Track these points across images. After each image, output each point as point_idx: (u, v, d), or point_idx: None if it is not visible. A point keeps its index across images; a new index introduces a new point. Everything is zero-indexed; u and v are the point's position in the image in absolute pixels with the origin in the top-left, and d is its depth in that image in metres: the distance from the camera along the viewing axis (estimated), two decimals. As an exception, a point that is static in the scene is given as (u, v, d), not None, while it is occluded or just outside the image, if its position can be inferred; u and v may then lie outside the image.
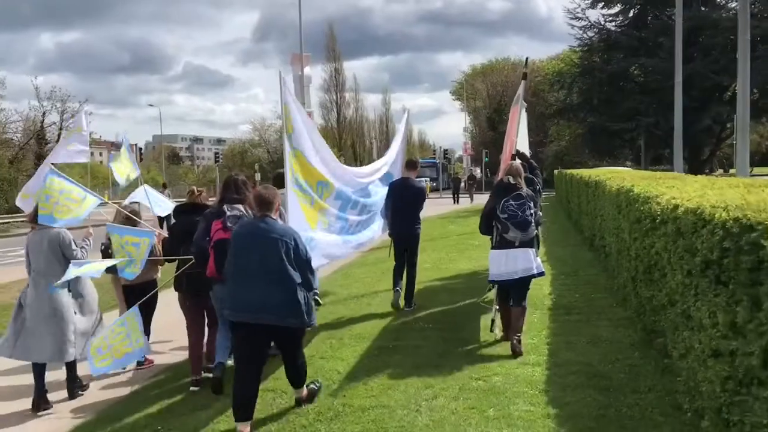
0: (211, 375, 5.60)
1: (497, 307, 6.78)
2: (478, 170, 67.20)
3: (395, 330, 7.42)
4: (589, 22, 29.46)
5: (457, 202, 33.60)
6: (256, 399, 4.83)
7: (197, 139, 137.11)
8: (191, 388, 5.69)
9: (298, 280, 4.75)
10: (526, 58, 11.37)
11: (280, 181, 6.58)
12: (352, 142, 76.66)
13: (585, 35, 29.79)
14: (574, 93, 31.20)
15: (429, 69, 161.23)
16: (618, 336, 6.48)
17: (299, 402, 5.15)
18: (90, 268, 5.43)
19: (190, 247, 5.54)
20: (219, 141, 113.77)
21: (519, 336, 6.11)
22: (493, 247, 6.42)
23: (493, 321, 6.86)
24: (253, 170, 61.95)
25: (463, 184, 37.16)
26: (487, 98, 69.68)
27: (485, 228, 6.51)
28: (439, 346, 6.54)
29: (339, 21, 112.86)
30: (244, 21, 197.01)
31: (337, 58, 74.31)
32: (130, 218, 6.36)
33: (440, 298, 9.08)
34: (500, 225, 6.21)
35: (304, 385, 5.18)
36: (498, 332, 6.66)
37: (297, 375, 5.10)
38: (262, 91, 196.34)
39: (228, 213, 5.27)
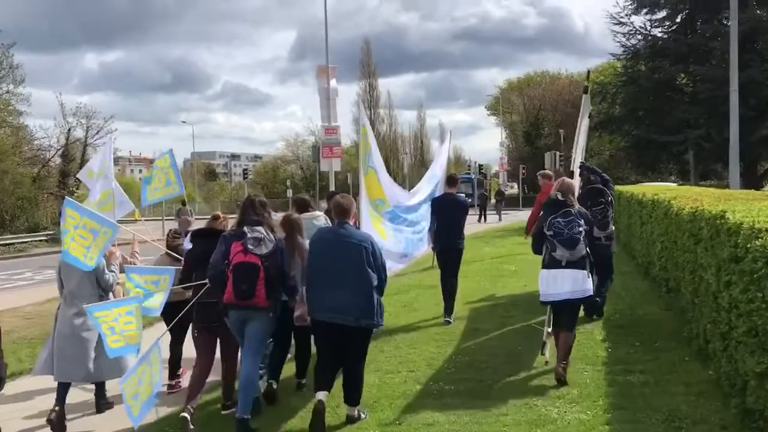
0: (231, 411, 5.37)
1: (549, 330, 6.52)
2: (515, 185, 65.45)
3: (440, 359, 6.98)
4: (634, 27, 27.59)
5: (485, 220, 31.68)
6: (360, 384, 5.28)
7: (234, 156, 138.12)
8: (182, 415, 5.17)
9: (375, 282, 5.09)
10: (588, 71, 10.16)
11: (301, 207, 6.89)
12: (385, 157, 75.31)
13: (629, 42, 27.90)
14: (618, 104, 29.13)
15: (465, 85, 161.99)
16: (703, 412, 4.92)
17: (349, 420, 5.23)
18: (115, 311, 5.11)
19: (205, 273, 5.31)
20: (256, 157, 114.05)
21: (565, 363, 5.90)
22: (543, 267, 6.19)
23: (544, 344, 6.54)
24: (285, 186, 61.64)
25: (492, 201, 35.29)
26: (524, 112, 68.18)
27: (536, 246, 6.34)
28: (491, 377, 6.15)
29: (374, 39, 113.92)
30: (281, 40, 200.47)
31: (372, 73, 73.48)
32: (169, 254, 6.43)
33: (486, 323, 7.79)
34: (548, 243, 6.03)
35: (356, 408, 5.27)
36: (548, 356, 6.40)
37: (354, 385, 5.27)
38: (300, 108, 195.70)
39: (249, 235, 5.04)
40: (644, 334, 7.52)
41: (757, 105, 24.39)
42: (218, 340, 5.57)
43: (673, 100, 27.74)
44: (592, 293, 6.15)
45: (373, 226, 6.97)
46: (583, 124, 8.05)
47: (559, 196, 6.11)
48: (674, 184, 21.41)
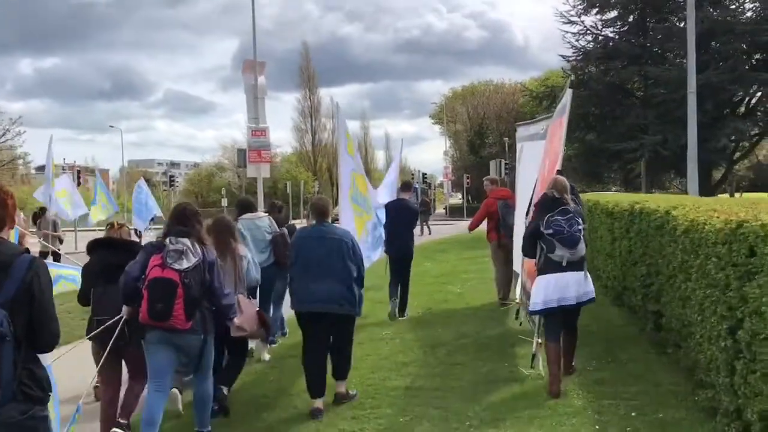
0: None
1: (539, 341, 6.27)
2: (459, 195, 64.01)
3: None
4: (584, 27, 25.83)
5: (429, 232, 29.40)
6: (325, 377, 5.64)
7: (174, 164, 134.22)
8: None
9: (355, 275, 5.63)
10: (570, 71, 8.97)
11: (242, 208, 7.26)
12: (328, 165, 72.88)
13: (579, 43, 26.18)
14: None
15: (409, 96, 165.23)
16: None
17: (338, 398, 5.68)
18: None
19: (105, 288, 5.02)
20: (196, 165, 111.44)
21: (572, 370, 6.08)
22: (538, 272, 5.95)
23: (534, 356, 6.30)
24: (220, 194, 58.67)
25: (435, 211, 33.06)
26: (468, 121, 67.27)
27: (529, 248, 6.10)
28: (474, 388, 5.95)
29: (318, 49, 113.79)
30: (224, 48, 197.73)
31: (311, 78, 70.99)
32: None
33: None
34: (545, 244, 5.81)
35: (345, 381, 5.78)
36: (541, 369, 6.16)
37: (342, 363, 5.76)
38: (243, 116, 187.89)
39: (170, 247, 4.62)
40: (639, 396, 5.37)
41: (713, 110, 22.89)
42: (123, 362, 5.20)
43: (626, 104, 26.05)
44: (594, 295, 6.00)
45: (353, 220, 7.52)
46: (564, 123, 7.16)
47: (555, 194, 5.86)
48: (620, 193, 19.58)
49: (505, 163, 36.27)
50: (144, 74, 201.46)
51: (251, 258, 5.83)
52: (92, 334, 5.08)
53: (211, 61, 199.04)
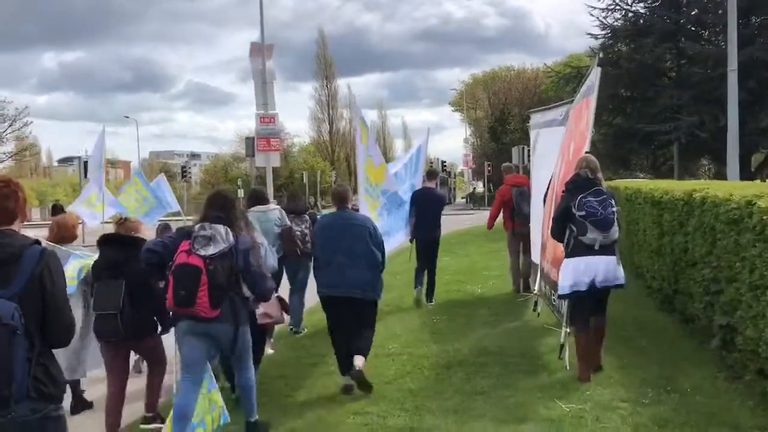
0: (151, 426, 5.16)
1: (567, 330, 5.98)
2: (480, 183, 62.58)
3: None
4: (613, 2, 24.05)
5: None
6: (369, 344, 5.91)
7: (195, 155, 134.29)
8: None
9: (379, 259, 5.83)
10: (598, 49, 8.65)
11: (254, 200, 7.39)
12: (346, 155, 71.61)
13: (606, 19, 24.41)
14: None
15: (428, 85, 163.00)
16: None
17: (353, 376, 5.63)
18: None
19: (108, 284, 4.95)
20: (216, 156, 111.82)
21: (601, 361, 5.76)
22: (567, 255, 5.63)
23: (562, 346, 5.95)
24: (237, 185, 57.66)
25: (462, 200, 31.59)
26: (488, 107, 65.43)
27: (558, 231, 5.74)
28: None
29: (337, 39, 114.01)
30: (242, 40, 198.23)
31: (328, 66, 69.65)
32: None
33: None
34: (575, 226, 5.51)
35: (364, 357, 5.76)
36: (567, 360, 5.85)
37: (365, 342, 5.84)
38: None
39: (199, 233, 4.47)
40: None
41: (756, 88, 21.05)
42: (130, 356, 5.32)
43: (658, 85, 24.25)
44: (624, 281, 5.63)
45: (368, 209, 7.73)
46: (592, 104, 6.60)
47: (588, 174, 5.59)
48: (650, 180, 18.00)
49: (528, 150, 34.61)
50: (164, 66, 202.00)
51: (267, 246, 5.45)
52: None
53: (230, 52, 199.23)
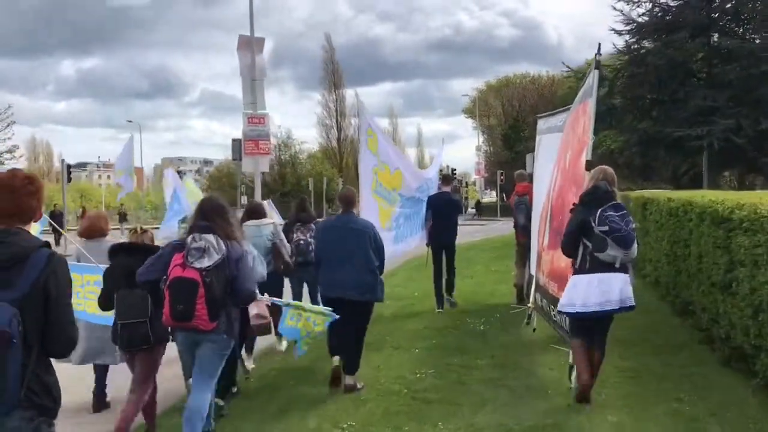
0: None
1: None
2: (493, 192, 60.51)
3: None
4: (640, -9, 21.79)
5: None
6: (354, 357, 6.00)
7: (207, 162, 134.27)
8: None
9: (377, 263, 5.95)
10: (599, 45, 7.32)
11: (248, 214, 7.20)
12: (355, 161, 69.70)
13: (631, 14, 22.14)
14: (617, 92, 23.26)
15: (442, 95, 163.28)
16: None
17: (347, 388, 5.86)
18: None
19: (125, 291, 4.87)
20: (222, 163, 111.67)
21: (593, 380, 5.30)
22: (579, 272, 5.25)
23: (571, 367, 5.59)
24: (240, 192, 55.84)
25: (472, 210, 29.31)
26: (502, 114, 63.34)
27: (571, 246, 5.32)
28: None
29: (350, 49, 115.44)
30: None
31: (335, 71, 67.75)
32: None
33: None
34: (591, 242, 5.12)
35: (355, 375, 5.94)
36: (573, 380, 5.50)
37: (355, 356, 6.00)
38: (278, 115, 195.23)
39: (192, 245, 4.41)
40: None
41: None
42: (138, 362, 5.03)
43: (689, 84, 21.90)
44: (634, 303, 5.13)
45: (378, 212, 8.18)
46: (590, 108, 6.11)
47: (607, 186, 5.24)
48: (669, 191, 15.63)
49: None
50: (180, 74, 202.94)
51: (257, 254, 5.35)
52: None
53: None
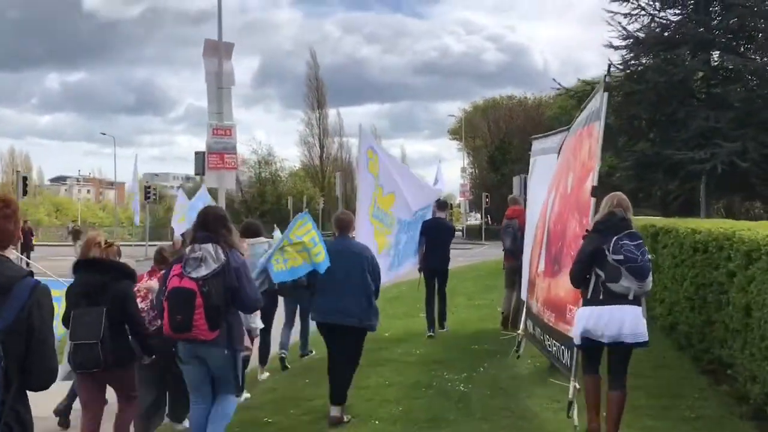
0: None
1: (576, 385, 5.22)
2: (478, 215, 59.23)
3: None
4: (638, 5, 20.44)
5: None
6: (347, 386, 5.79)
7: (189, 178, 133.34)
8: None
9: (373, 288, 5.83)
10: (609, 65, 6.18)
11: (243, 233, 6.90)
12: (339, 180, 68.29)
13: (627, 29, 20.77)
14: (611, 110, 21.82)
15: (429, 117, 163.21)
16: None
17: (332, 422, 5.59)
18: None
19: (81, 309, 4.72)
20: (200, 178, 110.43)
21: None
22: (586, 303, 5.01)
23: (570, 403, 5.20)
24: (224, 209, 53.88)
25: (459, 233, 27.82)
26: (488, 136, 62.29)
27: (581, 275, 5.06)
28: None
29: (337, 69, 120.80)
30: (244, 67, 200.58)
31: (319, 88, 66.54)
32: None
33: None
34: (604, 271, 4.87)
35: (342, 406, 5.68)
36: (575, 417, 5.10)
37: (342, 386, 5.74)
38: (264, 133, 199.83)
39: (190, 255, 4.47)
40: None
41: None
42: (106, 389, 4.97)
43: (689, 104, 20.51)
44: (647, 338, 4.90)
45: (374, 237, 7.94)
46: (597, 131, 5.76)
47: (622, 213, 5.01)
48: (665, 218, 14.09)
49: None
50: (166, 90, 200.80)
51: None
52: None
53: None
